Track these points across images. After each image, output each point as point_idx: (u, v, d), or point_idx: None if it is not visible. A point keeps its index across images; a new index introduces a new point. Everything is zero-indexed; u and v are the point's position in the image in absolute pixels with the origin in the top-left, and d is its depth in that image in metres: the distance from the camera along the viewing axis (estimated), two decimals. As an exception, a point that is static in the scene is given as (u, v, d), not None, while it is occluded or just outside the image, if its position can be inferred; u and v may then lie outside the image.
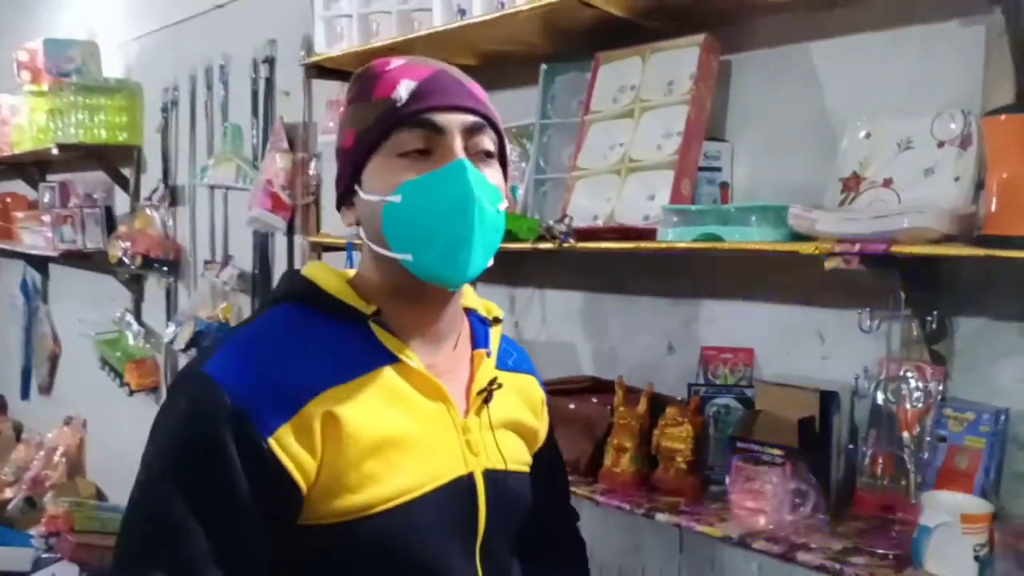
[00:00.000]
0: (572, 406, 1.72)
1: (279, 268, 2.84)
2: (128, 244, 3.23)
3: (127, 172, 3.57)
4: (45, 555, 3.28)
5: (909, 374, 1.35)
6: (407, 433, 0.89)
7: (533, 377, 1.14)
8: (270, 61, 2.80)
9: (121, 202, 3.67)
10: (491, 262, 0.93)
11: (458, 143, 0.89)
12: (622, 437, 1.59)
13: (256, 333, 0.90)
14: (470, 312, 1.05)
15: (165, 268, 3.31)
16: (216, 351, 0.87)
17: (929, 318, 1.35)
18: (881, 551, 1.27)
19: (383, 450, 0.87)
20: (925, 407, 1.35)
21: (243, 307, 2.99)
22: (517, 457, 1.04)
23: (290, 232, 2.73)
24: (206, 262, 3.11)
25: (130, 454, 3.65)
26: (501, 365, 1.05)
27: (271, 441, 0.81)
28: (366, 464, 0.86)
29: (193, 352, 2.95)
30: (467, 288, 1.03)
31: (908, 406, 1.35)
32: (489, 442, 0.98)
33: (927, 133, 1.36)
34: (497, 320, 1.06)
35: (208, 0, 3.05)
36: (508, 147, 1.00)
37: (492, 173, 0.92)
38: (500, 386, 1.00)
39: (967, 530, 1.17)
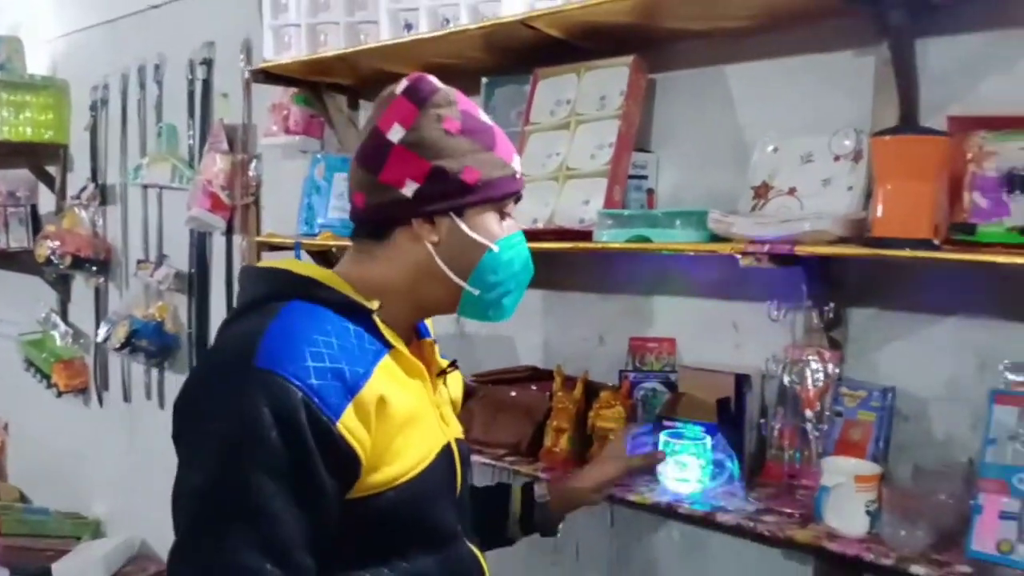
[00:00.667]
0: (513, 393, 1.86)
1: (217, 268, 2.88)
2: (57, 243, 3.19)
3: (53, 170, 3.53)
4: (-29, 560, 3.22)
5: (811, 358, 1.52)
6: (416, 410, 1.01)
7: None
8: (208, 63, 2.84)
9: (46, 201, 3.61)
10: None
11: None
12: (560, 420, 1.74)
13: (290, 326, 0.92)
14: None
15: (95, 268, 3.28)
16: (258, 346, 0.89)
17: (827, 309, 1.53)
18: (788, 511, 1.46)
19: (406, 426, 0.97)
20: (824, 387, 1.52)
21: (179, 306, 3.02)
22: (462, 428, 1.19)
23: (229, 232, 2.79)
24: (139, 261, 3.12)
25: (58, 456, 3.65)
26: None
27: (339, 425, 0.88)
28: (396, 440, 0.96)
29: (128, 351, 2.96)
30: None
31: (810, 386, 1.51)
32: (450, 415, 1.13)
33: (825, 149, 1.56)
34: None
35: (142, 0, 3.07)
36: None
37: None
38: (456, 369, 1.15)
39: (860, 488, 1.36)
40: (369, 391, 0.92)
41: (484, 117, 1.08)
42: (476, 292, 1.06)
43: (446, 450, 1.06)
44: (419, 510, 0.99)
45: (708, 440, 1.54)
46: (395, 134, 1.01)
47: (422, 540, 1.01)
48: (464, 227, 1.03)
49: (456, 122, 1.03)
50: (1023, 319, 1.41)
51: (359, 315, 0.99)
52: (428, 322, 1.17)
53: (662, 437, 1.53)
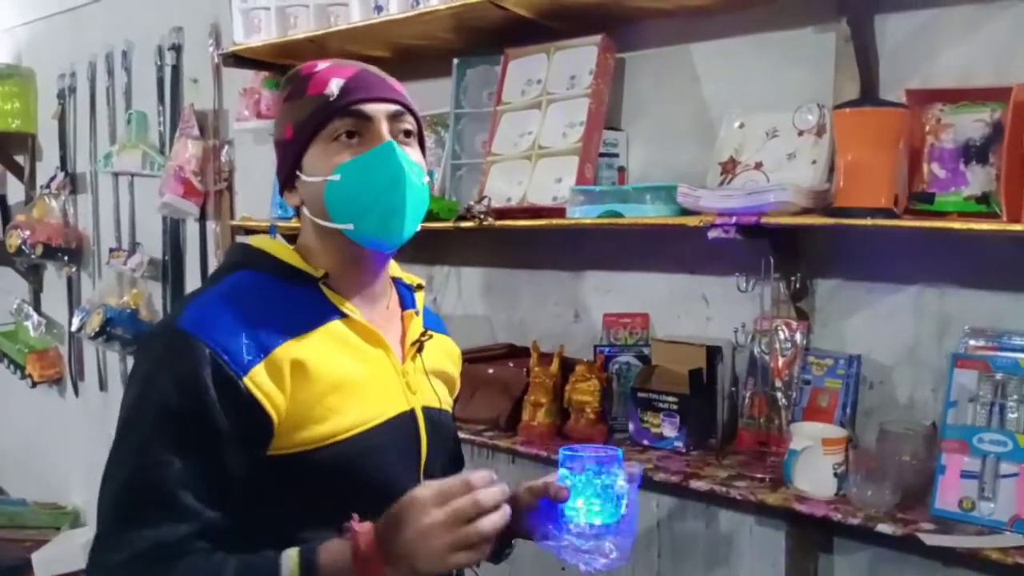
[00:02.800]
0: (491, 371, 1.90)
1: (191, 254, 2.88)
2: (27, 233, 3.16)
3: (21, 159, 3.49)
4: (-52, 552, 3.21)
5: (779, 329, 1.56)
6: (358, 374, 1.04)
7: (449, 337, 1.32)
8: (176, 48, 2.82)
9: (15, 190, 3.58)
10: (418, 228, 1.09)
11: (384, 127, 1.03)
12: (537, 394, 1.77)
13: (222, 292, 1.01)
14: (396, 281, 1.20)
15: (66, 257, 3.26)
16: (183, 310, 0.98)
17: (794, 280, 1.57)
18: (759, 475, 1.50)
19: (341, 387, 1.01)
20: (792, 356, 1.56)
21: (154, 293, 3.01)
22: (446, 399, 1.21)
23: (202, 218, 2.79)
24: (111, 250, 3.10)
25: (34, 446, 3.63)
26: (426, 325, 1.20)
27: (246, 380, 0.93)
28: (328, 399, 1.00)
29: (103, 340, 2.95)
30: (392, 262, 1.18)
31: (779, 356, 1.56)
32: (424, 384, 1.14)
33: (790, 124, 1.60)
34: (420, 287, 1.23)
35: (107, -14, 3.04)
36: (424, 132, 1.16)
37: (414, 152, 1.08)
38: (431, 337, 1.17)
39: (827, 451, 1.41)
40: (284, 352, 0.97)
41: (320, 67, 1.07)
42: (351, 226, 1.03)
43: (404, 416, 1.08)
44: (361, 471, 1.01)
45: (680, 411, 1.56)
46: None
47: (374, 505, 0.98)
48: (303, 176, 1.05)
49: (285, 92, 1.09)
50: (981, 286, 1.46)
51: (309, 282, 1.05)
52: (420, 298, 1.20)
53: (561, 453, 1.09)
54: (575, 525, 1.01)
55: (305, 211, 1.08)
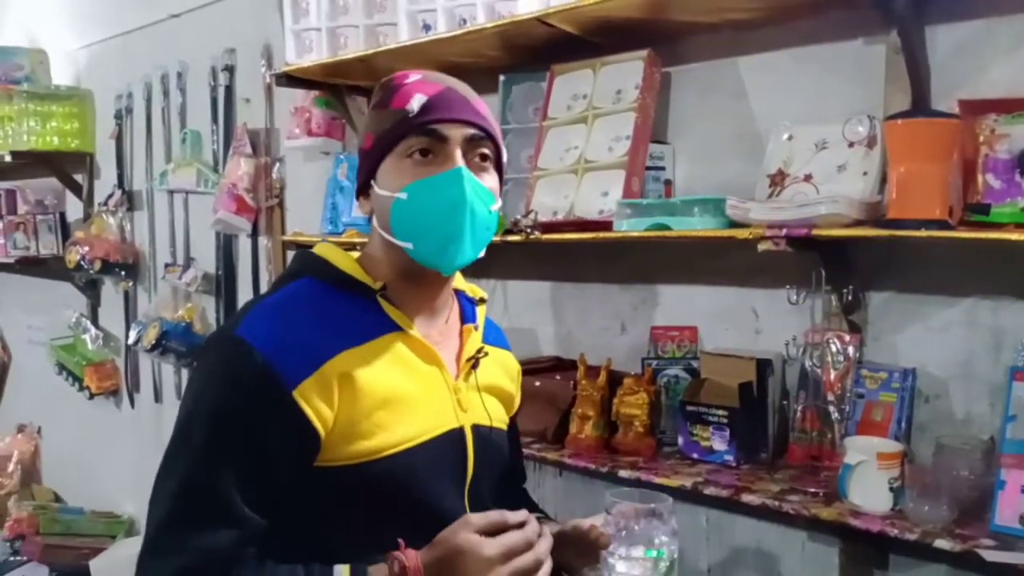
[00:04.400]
0: (538, 383, 1.90)
1: (244, 269, 2.94)
2: (86, 249, 3.26)
3: (79, 178, 3.60)
4: (12, 558, 3.30)
5: (830, 341, 1.54)
6: (408, 390, 1.04)
7: (509, 352, 1.31)
8: (230, 69, 2.89)
9: (73, 208, 3.70)
10: (482, 253, 1.09)
11: (458, 152, 1.02)
12: (585, 407, 1.78)
13: (280, 301, 1.03)
14: (459, 293, 1.20)
15: (123, 272, 3.35)
16: (244, 317, 1.00)
17: (845, 292, 1.55)
18: (812, 490, 1.49)
19: (390, 403, 1.02)
20: (845, 369, 1.54)
21: (207, 307, 3.08)
22: (499, 416, 1.20)
23: (254, 233, 2.85)
24: (167, 265, 3.18)
25: (90, 457, 3.73)
26: (485, 339, 1.21)
27: (295, 394, 0.95)
28: (376, 415, 1.01)
29: (159, 353, 3.03)
30: (456, 273, 1.18)
31: (831, 369, 1.54)
32: (476, 401, 1.14)
33: (839, 135, 1.59)
34: (483, 300, 1.23)
35: (162, 10, 3.13)
36: (505, 157, 1.15)
37: (488, 178, 1.06)
38: (486, 354, 1.16)
39: (882, 466, 1.39)
40: (334, 365, 0.98)
41: (410, 79, 1.06)
42: (410, 246, 1.03)
43: (453, 433, 1.08)
44: (406, 486, 1.02)
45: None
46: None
47: (418, 522, 1.00)
48: (376, 188, 1.06)
49: (374, 100, 1.09)
50: (1038, 298, 1.43)
51: (367, 294, 1.06)
52: (481, 312, 1.20)
53: (608, 498, 1.09)
54: (612, 572, 1.01)
55: (374, 221, 1.09)
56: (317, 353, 0.98)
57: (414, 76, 1.07)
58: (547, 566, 0.97)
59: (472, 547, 0.92)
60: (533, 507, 1.30)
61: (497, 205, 1.08)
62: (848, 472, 1.41)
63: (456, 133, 1.03)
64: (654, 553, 1.02)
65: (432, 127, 1.02)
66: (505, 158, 1.13)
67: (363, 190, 1.11)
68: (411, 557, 0.92)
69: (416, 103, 1.02)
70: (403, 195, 1.02)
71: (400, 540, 0.93)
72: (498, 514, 0.97)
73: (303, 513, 1.00)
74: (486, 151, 1.07)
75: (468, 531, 0.94)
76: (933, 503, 1.34)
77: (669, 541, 1.03)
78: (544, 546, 0.97)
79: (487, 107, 1.09)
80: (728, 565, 1.81)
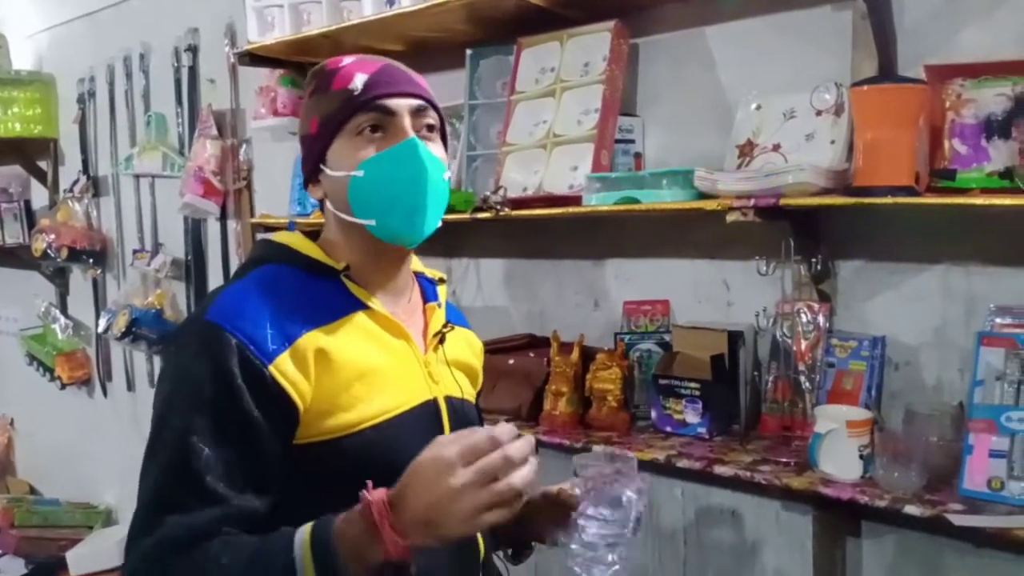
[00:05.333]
0: (511, 361, 1.89)
1: (213, 253, 2.90)
2: (52, 237, 3.20)
3: (44, 165, 3.53)
4: (-13, 551, 3.27)
5: (801, 311, 1.55)
6: (382, 363, 1.05)
7: (471, 331, 1.33)
8: (193, 49, 2.84)
9: (38, 195, 3.62)
10: (440, 223, 1.10)
11: (407, 122, 1.04)
12: (559, 383, 1.77)
13: (248, 285, 1.03)
14: (418, 275, 1.22)
15: (91, 260, 3.29)
16: (212, 304, 1.00)
17: (815, 262, 1.56)
18: (784, 460, 1.49)
19: (365, 376, 1.03)
20: (815, 339, 1.55)
21: (177, 293, 3.04)
22: (467, 390, 1.22)
23: (223, 217, 2.81)
24: (135, 251, 3.13)
25: (65, 448, 3.67)
26: (448, 319, 1.22)
27: (271, 368, 0.95)
28: (354, 387, 1.01)
29: (129, 340, 2.99)
30: (413, 256, 1.19)
31: (801, 339, 1.55)
32: (446, 374, 1.15)
33: (807, 104, 1.58)
34: (442, 280, 1.24)
35: (122, -9, 3.07)
36: (447, 128, 1.17)
37: (436, 148, 1.09)
38: (452, 328, 1.18)
39: (852, 434, 1.40)
40: (308, 341, 0.99)
41: (346, 62, 1.07)
42: (373, 222, 1.05)
43: (428, 405, 1.09)
44: (388, 458, 0.99)
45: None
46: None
47: None
48: (327, 171, 1.06)
49: (311, 87, 1.10)
50: (1006, 263, 1.43)
51: (331, 275, 1.07)
52: (442, 292, 1.21)
53: (576, 461, 1.13)
54: (583, 534, 1.01)
55: (328, 205, 1.10)
56: (291, 329, 0.99)
57: (349, 59, 1.09)
58: (528, 468, 0.87)
59: (433, 456, 0.87)
60: None
61: (448, 174, 1.10)
62: (818, 441, 1.41)
63: (403, 105, 1.05)
64: (623, 509, 1.01)
65: (379, 102, 1.04)
66: (448, 130, 1.15)
67: (312, 176, 1.11)
68: (376, 492, 0.88)
69: (359, 81, 1.04)
70: (359, 172, 1.03)
71: (368, 482, 0.89)
72: (469, 432, 0.90)
73: (290, 491, 0.99)
74: (431, 121, 1.08)
75: (437, 451, 0.89)
76: (903, 470, 1.35)
77: (637, 498, 1.03)
78: (517, 447, 0.87)
79: (425, 80, 1.10)
80: (704, 536, 1.82)
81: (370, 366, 1.04)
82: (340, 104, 1.04)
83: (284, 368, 0.96)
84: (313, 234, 1.13)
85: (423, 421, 1.08)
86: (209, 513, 0.92)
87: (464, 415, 1.17)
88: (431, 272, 1.23)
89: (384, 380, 1.05)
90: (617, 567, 1.00)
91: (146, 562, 0.91)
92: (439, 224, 1.09)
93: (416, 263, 1.21)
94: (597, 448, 1.10)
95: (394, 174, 1.03)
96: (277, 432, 0.97)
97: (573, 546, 1.02)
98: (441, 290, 1.22)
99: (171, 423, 0.95)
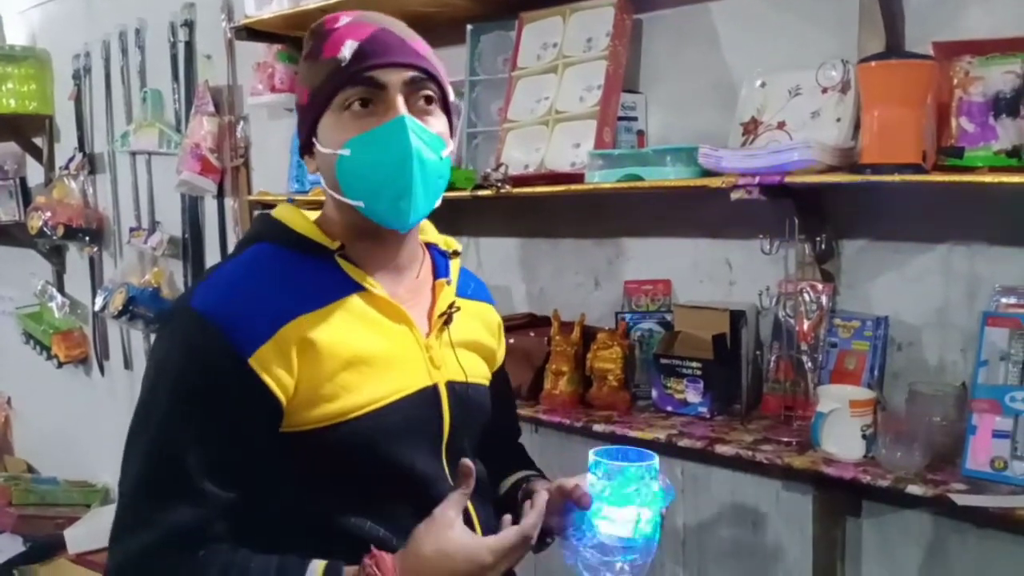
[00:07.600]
0: (512, 340, 1.86)
1: (211, 231, 2.88)
2: (48, 214, 3.18)
3: (39, 142, 3.50)
4: (-15, 530, 3.27)
5: (804, 291, 1.54)
6: (375, 350, 1.00)
7: (490, 305, 1.26)
8: (189, 25, 2.80)
9: (34, 173, 3.59)
10: (438, 203, 1.03)
11: (399, 98, 0.95)
12: (559, 363, 1.76)
13: (235, 268, 0.99)
14: (431, 246, 1.15)
15: (88, 238, 3.27)
16: (198, 287, 0.97)
17: (819, 241, 1.54)
18: (785, 439, 1.49)
19: (355, 365, 0.98)
20: (818, 318, 1.54)
21: (175, 271, 3.02)
22: (476, 372, 1.14)
23: (220, 194, 2.79)
24: (131, 229, 3.11)
25: (62, 426, 3.67)
26: (461, 293, 1.15)
27: (251, 361, 0.91)
28: (340, 377, 0.97)
29: (127, 319, 2.98)
30: (427, 224, 1.13)
31: (804, 319, 1.54)
32: (450, 358, 1.09)
33: (813, 81, 1.56)
34: (456, 253, 1.17)
35: (118, -35, 3.02)
36: (452, 97, 1.07)
37: (435, 121, 0.99)
38: (458, 309, 1.11)
39: (855, 413, 1.39)
40: (293, 330, 0.94)
41: (340, 23, 0.99)
42: (361, 204, 0.98)
43: (425, 391, 1.04)
44: (377, 448, 0.99)
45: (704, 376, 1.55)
46: None
47: (393, 483, 0.99)
48: (318, 145, 1.01)
49: (306, 49, 1.03)
50: (1011, 243, 1.42)
51: (326, 255, 1.02)
52: (455, 263, 1.15)
53: (592, 456, 1.04)
54: (592, 535, 0.98)
55: (321, 180, 1.04)
56: (273, 319, 0.94)
57: (344, 19, 1.00)
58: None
59: (467, 549, 0.93)
60: (528, 464, 1.28)
61: (448, 150, 1.02)
62: (821, 420, 1.41)
63: (395, 78, 0.96)
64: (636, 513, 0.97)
65: (368, 75, 0.96)
66: (452, 96, 1.05)
67: (307, 148, 1.05)
68: (385, 560, 0.90)
69: (348, 50, 0.96)
70: (345, 151, 0.97)
71: (372, 545, 0.92)
72: (506, 539, 0.96)
73: (277, 483, 0.97)
74: (429, 93, 1.00)
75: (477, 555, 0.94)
76: (905, 449, 1.34)
77: (653, 499, 0.99)
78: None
79: (426, 45, 1.02)
80: (704, 516, 1.82)
81: (361, 353, 0.99)
82: (327, 75, 0.97)
83: (264, 361, 0.92)
84: (318, 207, 1.09)
85: (420, 409, 1.04)
86: (195, 512, 0.90)
87: (469, 400, 1.10)
88: (446, 242, 1.16)
89: (376, 368, 1.00)
90: (627, 574, 0.96)
91: (131, 567, 0.91)
92: (435, 205, 1.02)
93: (430, 232, 1.15)
94: (613, 447, 1.04)
95: (380, 156, 0.96)
96: (259, 424, 0.94)
97: (580, 548, 0.98)
98: (454, 264, 1.15)
99: (153, 412, 0.93)
